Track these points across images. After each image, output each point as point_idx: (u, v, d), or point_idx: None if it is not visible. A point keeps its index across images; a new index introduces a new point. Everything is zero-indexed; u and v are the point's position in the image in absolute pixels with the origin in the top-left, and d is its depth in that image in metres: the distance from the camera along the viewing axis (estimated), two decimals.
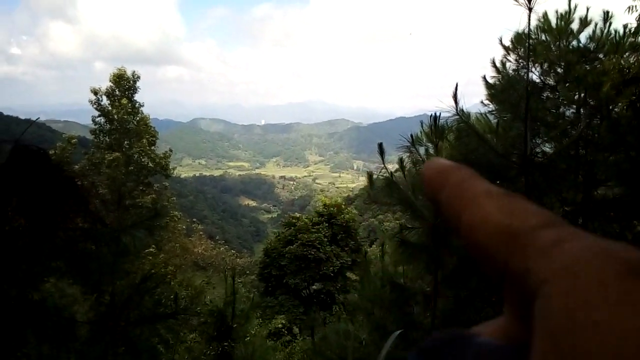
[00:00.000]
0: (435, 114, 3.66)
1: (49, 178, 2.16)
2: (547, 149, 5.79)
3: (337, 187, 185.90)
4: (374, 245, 29.85)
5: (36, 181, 2.12)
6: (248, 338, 7.22)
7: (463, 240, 0.26)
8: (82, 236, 2.57)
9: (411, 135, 3.70)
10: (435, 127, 3.71)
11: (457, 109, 3.42)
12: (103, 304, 4.03)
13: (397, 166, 4.26)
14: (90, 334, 3.79)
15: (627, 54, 6.32)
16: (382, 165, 3.88)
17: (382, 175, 3.98)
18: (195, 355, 6.97)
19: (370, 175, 4.25)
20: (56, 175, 2.23)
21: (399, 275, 4.52)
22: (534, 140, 5.45)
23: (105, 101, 23.46)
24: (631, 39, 6.34)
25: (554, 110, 6.88)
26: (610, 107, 5.29)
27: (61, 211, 2.35)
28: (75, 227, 2.54)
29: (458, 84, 3.45)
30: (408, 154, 3.87)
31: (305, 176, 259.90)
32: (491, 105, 6.93)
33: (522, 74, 5.68)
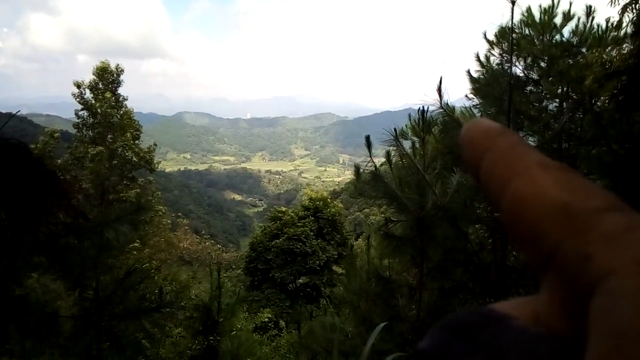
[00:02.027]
0: (422, 107, 3.66)
1: (30, 172, 2.12)
2: (531, 143, 5.84)
3: (323, 181, 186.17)
4: (360, 239, 29.97)
5: (17, 175, 2.08)
6: (234, 332, 7.21)
7: (504, 214, 0.23)
8: (65, 230, 2.54)
9: (395, 129, 3.71)
10: (422, 121, 3.72)
11: (441, 103, 3.43)
12: (87, 299, 3.99)
13: (383, 160, 4.26)
14: (74, 329, 3.76)
15: (609, 47, 6.39)
16: (369, 159, 3.88)
17: (368, 169, 3.98)
18: (181, 350, 6.95)
19: (357, 169, 4.25)
20: (37, 169, 2.20)
21: (385, 268, 4.54)
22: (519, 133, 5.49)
23: (88, 94, 23.15)
24: (613, 33, 6.42)
25: (537, 104, 6.95)
26: (593, 101, 5.35)
27: (43, 205, 2.31)
28: (58, 222, 2.50)
29: (442, 78, 3.45)
30: (394, 147, 3.87)
31: (291, 170, 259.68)
32: (475, 99, 6.97)
33: (506, 68, 5.72)
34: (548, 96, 6.97)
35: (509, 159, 0.24)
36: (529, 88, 7.07)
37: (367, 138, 3.84)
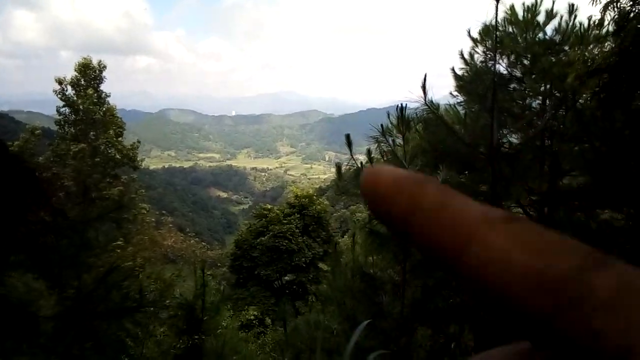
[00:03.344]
0: (401, 104, 3.65)
1: (6, 169, 2.07)
2: (514, 140, 5.90)
3: (309, 179, 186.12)
4: (345, 236, 30.06)
5: None
6: (219, 330, 7.17)
7: (469, 290, 0.20)
8: (43, 229, 2.49)
9: (381, 125, 3.71)
10: (402, 118, 3.72)
11: (425, 99, 3.43)
12: (69, 299, 3.92)
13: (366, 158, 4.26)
14: (55, 329, 3.70)
15: (591, 45, 6.48)
16: (351, 157, 3.88)
17: (351, 166, 3.98)
18: (165, 349, 6.89)
19: (338, 167, 4.25)
20: (15, 166, 2.15)
21: (369, 265, 4.55)
22: (501, 132, 5.55)
23: (70, 91, 22.86)
24: (595, 31, 6.50)
25: (521, 102, 7.01)
26: (575, 98, 5.41)
27: (20, 203, 2.27)
28: (36, 220, 2.45)
29: (427, 75, 3.45)
30: (376, 145, 3.87)
31: (276, 167, 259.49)
32: (460, 97, 7.01)
33: (490, 65, 5.75)
34: (531, 94, 7.03)
35: (447, 221, 0.20)
36: (512, 85, 7.13)
37: (347, 137, 3.83)
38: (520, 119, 6.17)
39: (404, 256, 3.62)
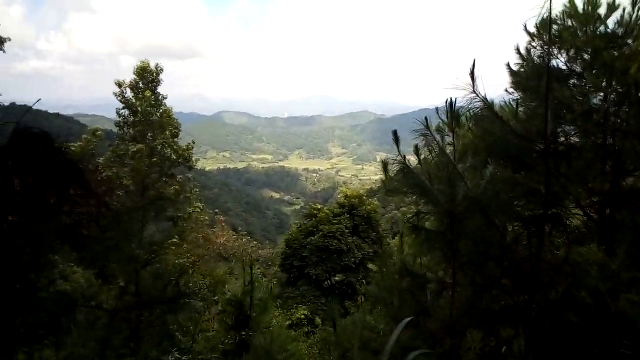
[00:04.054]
0: (451, 98, 3.51)
1: (50, 160, 2.14)
2: (574, 140, 5.66)
3: (360, 180, 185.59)
4: (396, 238, 29.71)
5: (37, 163, 2.11)
6: (270, 328, 7.24)
7: None
8: (86, 220, 2.55)
9: (426, 119, 3.59)
10: (451, 112, 3.58)
11: (474, 87, 3.26)
12: (126, 293, 4.04)
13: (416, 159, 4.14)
14: (112, 323, 3.82)
15: None
16: (398, 154, 3.77)
17: (396, 162, 3.87)
18: (214, 344, 7.02)
19: (385, 164, 4.15)
20: (58, 158, 2.21)
21: (417, 265, 4.44)
22: (560, 127, 5.32)
23: (129, 94, 23.70)
24: None
25: (581, 98, 6.69)
26: (639, 92, 5.10)
27: (64, 194, 2.33)
28: (80, 212, 2.51)
29: (475, 61, 3.27)
30: (424, 142, 3.75)
31: (328, 169, 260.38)
32: (516, 94, 6.76)
33: (545, 58, 5.51)
34: (592, 90, 6.71)
35: None
36: (572, 81, 6.83)
37: (395, 133, 3.72)
38: (580, 115, 5.88)
39: (452, 253, 3.50)
